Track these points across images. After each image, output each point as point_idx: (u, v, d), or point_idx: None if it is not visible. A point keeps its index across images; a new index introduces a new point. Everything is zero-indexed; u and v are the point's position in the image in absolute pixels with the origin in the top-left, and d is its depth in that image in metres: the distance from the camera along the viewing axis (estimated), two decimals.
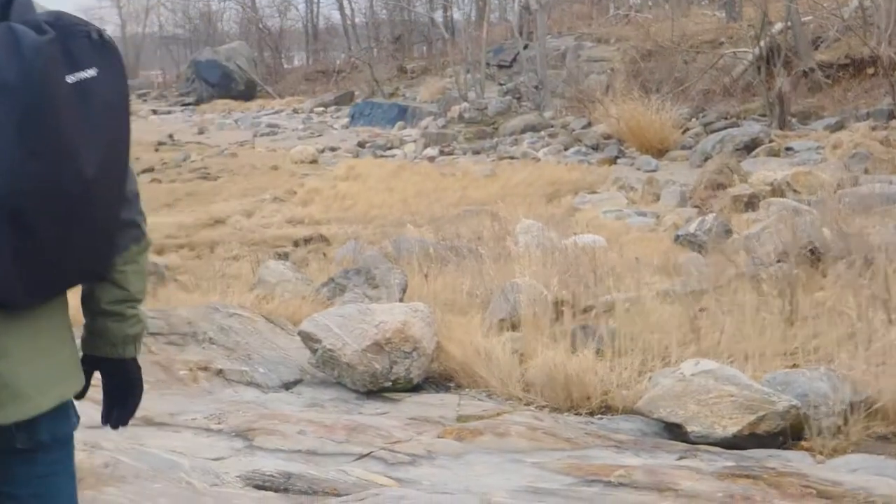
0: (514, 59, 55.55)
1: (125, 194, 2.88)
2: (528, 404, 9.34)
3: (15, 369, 2.74)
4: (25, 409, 2.79)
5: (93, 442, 7.01)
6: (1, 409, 2.72)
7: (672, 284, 12.26)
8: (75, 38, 2.71)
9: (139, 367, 3.25)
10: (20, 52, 2.51)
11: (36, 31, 2.57)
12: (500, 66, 57.62)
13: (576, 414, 9.09)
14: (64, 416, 3.01)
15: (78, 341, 3.14)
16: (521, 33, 55.40)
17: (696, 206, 24.00)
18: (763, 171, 26.08)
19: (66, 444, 3.07)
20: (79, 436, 6.65)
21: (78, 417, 3.11)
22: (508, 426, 8.37)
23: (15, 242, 2.55)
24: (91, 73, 2.71)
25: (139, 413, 7.83)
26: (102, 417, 3.29)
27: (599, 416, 9.04)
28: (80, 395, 3.09)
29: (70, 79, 2.64)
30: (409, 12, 76.44)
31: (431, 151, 40.83)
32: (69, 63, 2.65)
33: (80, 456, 6.50)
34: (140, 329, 3.15)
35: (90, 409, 8.14)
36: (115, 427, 3.33)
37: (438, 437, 8.21)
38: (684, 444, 8.05)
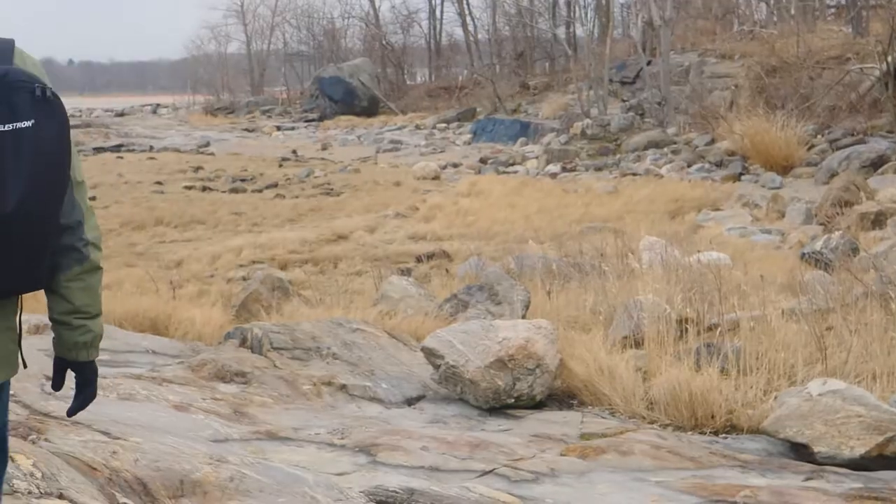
0: (637, 76, 55.26)
1: (58, 225, 3.34)
2: (651, 422, 9.29)
3: None
4: None
5: (218, 456, 7.08)
6: None
7: (798, 303, 12.11)
8: (18, 93, 3.16)
9: (94, 370, 3.70)
10: None
11: None
12: (623, 83, 57.40)
13: (700, 433, 9.02)
14: None
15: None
16: (644, 49, 55.16)
17: (821, 224, 23.71)
18: (890, 188, 25.71)
19: None
20: (205, 449, 6.76)
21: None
22: (632, 444, 8.33)
23: None
24: (27, 123, 3.15)
25: (263, 427, 7.92)
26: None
27: (724, 435, 8.96)
28: (56, 388, 3.72)
29: (5, 127, 3.12)
30: (532, 28, 76.41)
31: (553, 168, 40.79)
32: (8, 114, 3.13)
33: (205, 469, 6.61)
34: (89, 338, 3.59)
35: (215, 423, 8.26)
36: (68, 415, 3.84)
37: (561, 455, 8.19)
38: (811, 465, 7.94)
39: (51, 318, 3.58)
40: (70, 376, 3.73)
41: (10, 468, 6.16)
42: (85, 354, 3.61)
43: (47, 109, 3.21)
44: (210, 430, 8.51)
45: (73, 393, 3.78)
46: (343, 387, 10.24)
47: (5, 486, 5.98)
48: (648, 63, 52.76)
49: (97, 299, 3.59)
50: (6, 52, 3.29)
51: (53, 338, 3.64)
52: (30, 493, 5.97)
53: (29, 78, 3.21)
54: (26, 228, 3.19)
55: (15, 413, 7.86)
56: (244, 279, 18.93)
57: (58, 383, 3.71)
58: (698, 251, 15.67)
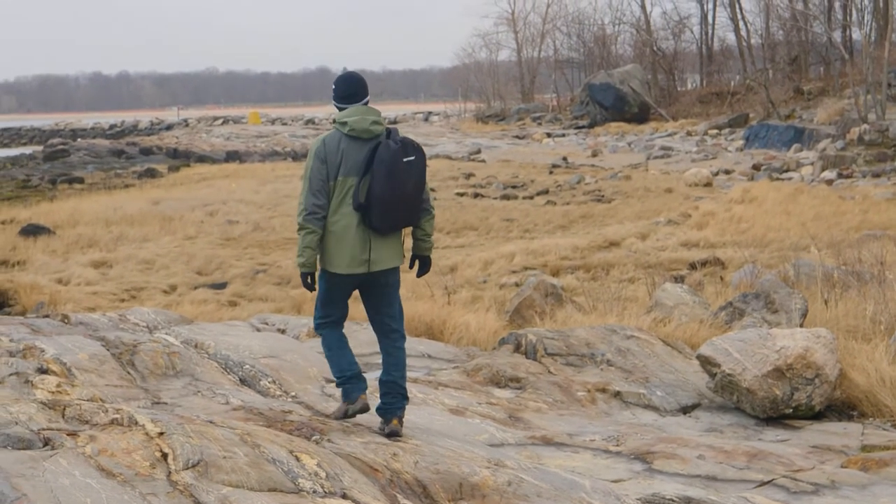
0: None
1: (423, 198, 7.63)
2: None
3: (380, 253, 7.55)
4: (380, 266, 7.57)
5: (496, 460, 7.16)
6: (374, 266, 7.53)
7: None
8: (408, 145, 7.47)
9: (430, 260, 7.88)
10: (388, 149, 7.39)
11: (394, 143, 7.43)
12: None
13: None
14: (396, 272, 7.74)
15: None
16: None
17: None
18: None
19: (397, 283, 7.82)
20: (482, 453, 6.84)
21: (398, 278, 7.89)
22: None
23: (382, 212, 7.40)
24: (412, 157, 7.45)
25: (538, 432, 7.98)
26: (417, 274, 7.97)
27: None
28: (410, 267, 7.91)
29: (405, 159, 7.41)
30: (807, 32, 74.84)
31: (829, 174, 39.92)
32: (405, 153, 7.42)
33: (484, 473, 6.69)
34: (429, 245, 7.83)
35: (490, 427, 8.32)
36: (417, 276, 7.97)
37: (842, 467, 8.03)
38: None
39: (414, 237, 7.78)
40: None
41: (295, 467, 6.35)
42: (427, 252, 7.85)
43: (418, 151, 7.54)
44: (486, 434, 8.61)
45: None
46: (617, 394, 10.23)
47: (291, 485, 6.16)
48: None
49: (432, 230, 7.86)
50: (397, 133, 7.64)
51: (413, 246, 7.80)
52: (314, 492, 6.14)
53: (412, 140, 7.57)
54: (414, 199, 7.52)
55: (298, 413, 8.11)
56: (517, 285, 19.04)
57: (412, 265, 7.85)
58: None
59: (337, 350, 7.83)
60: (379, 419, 7.77)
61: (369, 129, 7.52)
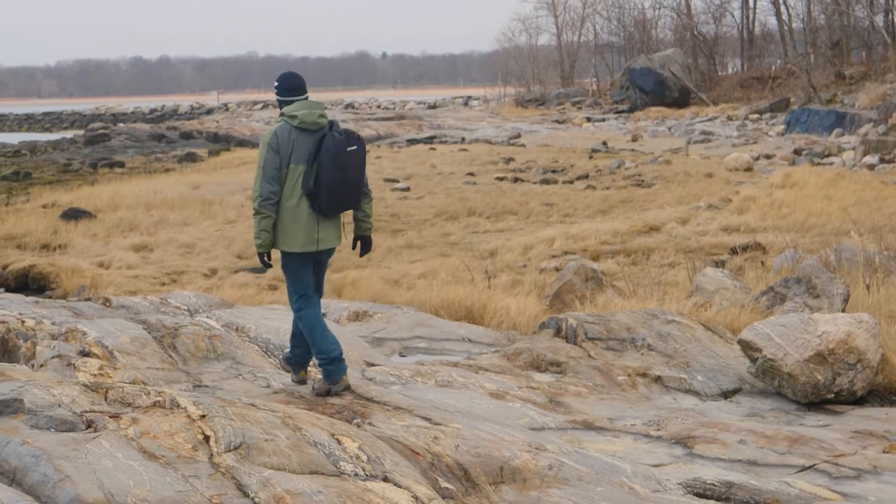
0: None
1: (364, 183, 8.68)
2: None
3: (325, 235, 8.55)
4: (326, 245, 8.59)
5: (536, 444, 7.16)
6: (322, 244, 8.54)
7: None
8: (351, 136, 8.53)
9: (371, 239, 8.91)
10: (334, 140, 8.39)
11: (338, 134, 8.46)
12: None
13: None
14: (333, 251, 8.79)
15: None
16: None
17: None
18: None
19: (328, 258, 8.94)
20: (523, 437, 6.83)
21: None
22: None
23: (328, 196, 8.39)
24: (354, 147, 8.47)
25: (579, 416, 7.99)
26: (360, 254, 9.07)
27: None
28: (353, 248, 8.94)
29: (349, 149, 8.41)
30: (849, 16, 74.33)
31: (871, 159, 39.63)
32: (348, 143, 8.44)
33: (524, 457, 6.69)
34: (369, 225, 8.84)
35: (531, 412, 8.31)
36: (360, 256, 9.06)
37: (884, 453, 7.99)
38: None
39: (355, 218, 8.73)
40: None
41: (336, 450, 6.37)
42: (368, 232, 8.84)
43: (359, 141, 8.51)
44: (526, 418, 8.62)
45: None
46: (658, 378, 10.21)
47: (332, 468, 6.18)
48: None
49: (372, 211, 8.83)
50: (338, 126, 8.58)
51: (354, 226, 8.75)
52: (356, 475, 6.15)
53: (354, 133, 8.59)
54: (356, 184, 8.50)
55: (339, 397, 8.13)
56: (557, 269, 19.00)
57: (354, 246, 8.86)
58: None
59: (319, 330, 8.71)
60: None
61: (317, 121, 8.50)
